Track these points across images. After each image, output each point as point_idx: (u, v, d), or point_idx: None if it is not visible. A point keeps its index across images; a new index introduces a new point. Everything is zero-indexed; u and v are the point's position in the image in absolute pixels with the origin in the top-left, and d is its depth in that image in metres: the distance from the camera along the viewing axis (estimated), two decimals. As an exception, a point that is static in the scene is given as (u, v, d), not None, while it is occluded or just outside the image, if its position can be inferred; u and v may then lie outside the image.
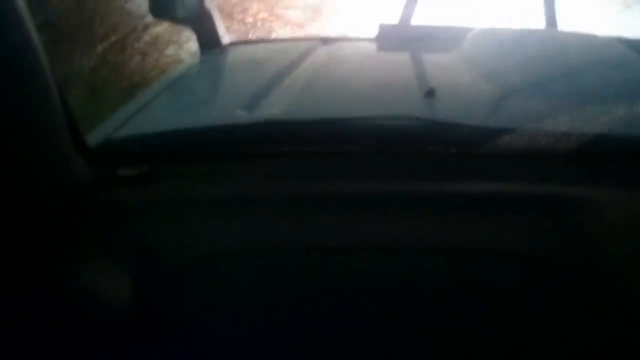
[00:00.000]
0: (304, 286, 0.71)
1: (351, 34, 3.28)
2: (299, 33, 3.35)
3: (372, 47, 1.59)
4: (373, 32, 1.73)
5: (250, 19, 3.37)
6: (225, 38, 1.72)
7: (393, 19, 1.87)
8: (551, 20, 1.89)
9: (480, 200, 0.83)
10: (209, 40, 1.66)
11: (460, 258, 0.74)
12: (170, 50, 3.33)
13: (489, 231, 0.78)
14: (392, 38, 1.62)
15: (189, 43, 3.29)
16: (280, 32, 3.36)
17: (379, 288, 0.70)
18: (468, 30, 1.52)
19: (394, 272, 0.72)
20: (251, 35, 3.35)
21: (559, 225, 0.79)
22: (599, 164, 0.90)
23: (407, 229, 0.79)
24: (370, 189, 0.87)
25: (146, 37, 3.41)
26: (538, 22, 1.96)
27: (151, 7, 1.65)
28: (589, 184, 0.86)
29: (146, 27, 3.42)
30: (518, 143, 0.91)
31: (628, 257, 0.74)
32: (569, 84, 1.13)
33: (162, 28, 3.42)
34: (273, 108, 1.14)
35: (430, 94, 1.15)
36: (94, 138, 1.03)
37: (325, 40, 1.64)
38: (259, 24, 3.35)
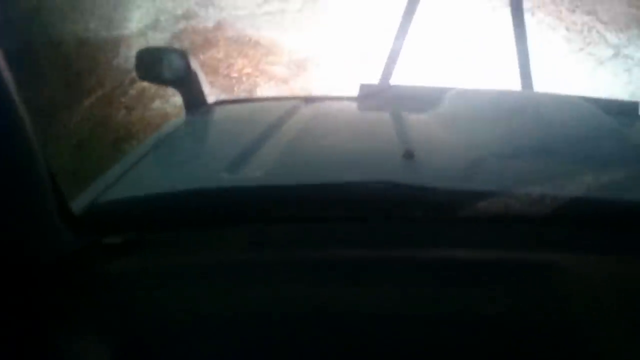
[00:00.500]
0: (290, 351, 0.72)
1: (334, 89, 3.36)
2: (284, 88, 3.42)
3: (353, 107, 1.64)
4: (354, 91, 1.78)
5: (235, 74, 3.44)
6: (210, 97, 1.76)
7: (374, 77, 1.94)
8: (526, 78, 1.95)
9: (455, 266, 0.85)
10: (194, 100, 1.70)
11: (436, 323, 0.75)
12: (156, 104, 3.38)
13: (465, 297, 0.80)
14: (372, 98, 1.67)
15: (175, 97, 3.35)
16: (265, 87, 3.43)
17: (359, 354, 0.71)
18: (446, 90, 1.58)
19: (374, 339, 0.73)
20: (236, 90, 3.41)
21: (531, 290, 0.80)
22: (571, 228, 0.93)
23: (385, 294, 0.81)
24: (349, 256, 0.88)
25: (132, 91, 3.46)
26: (513, 80, 2.03)
27: (138, 70, 1.69)
28: (561, 248, 0.89)
29: (132, 81, 3.47)
30: (493, 207, 0.94)
31: (600, 321, 0.76)
32: (544, 147, 1.17)
33: (148, 83, 3.47)
34: (256, 171, 1.17)
35: (408, 156, 1.18)
36: (79, 204, 1.04)
37: (308, 100, 1.69)
38: (244, 79, 3.42)
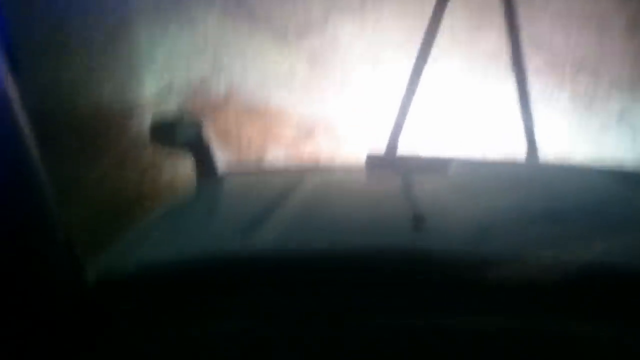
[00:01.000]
0: None
1: (343, 153, 3.40)
2: (292, 153, 3.46)
3: (361, 177, 1.67)
4: (362, 157, 1.81)
5: (244, 141, 3.50)
6: (221, 165, 1.79)
7: (381, 144, 1.97)
8: (532, 144, 1.98)
9: (467, 332, 0.85)
10: (205, 167, 1.73)
11: None
12: (168, 169, 3.43)
13: None
14: (380, 167, 1.70)
15: (186, 161, 3.40)
16: (274, 152, 3.48)
17: None
18: (453, 160, 1.61)
19: None
20: (245, 155, 3.46)
21: (543, 356, 0.80)
22: (582, 294, 0.92)
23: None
24: (363, 323, 0.88)
25: (145, 158, 3.52)
26: (519, 145, 2.06)
27: (151, 135, 1.74)
28: (573, 314, 0.88)
29: (145, 147, 3.53)
30: (505, 272, 0.94)
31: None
32: (554, 214, 1.18)
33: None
34: (266, 239, 1.18)
35: (419, 221, 1.19)
36: (92, 273, 1.05)
37: (316, 169, 1.72)
38: (253, 145, 3.48)
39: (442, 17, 2.17)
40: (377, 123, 3.59)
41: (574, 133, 3.65)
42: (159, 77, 3.92)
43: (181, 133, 1.69)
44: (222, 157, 1.81)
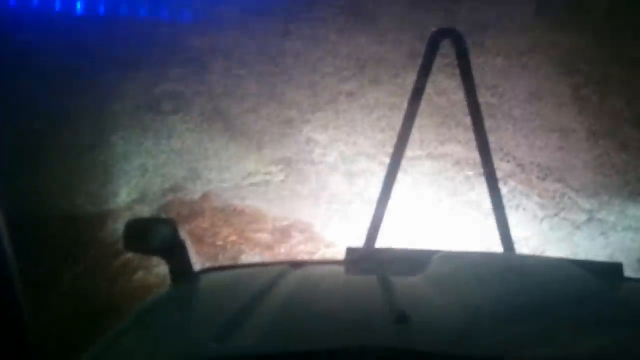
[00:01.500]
0: None
1: (320, 254, 3.39)
2: (268, 255, 3.44)
3: (341, 271, 1.65)
4: (341, 255, 1.80)
5: (220, 242, 3.48)
6: (196, 266, 1.76)
7: (359, 240, 1.98)
8: (507, 241, 2.01)
9: None
10: (180, 269, 1.69)
11: None
12: (139, 275, 3.35)
13: None
14: (359, 262, 1.68)
15: (158, 268, 3.33)
16: (250, 253, 3.45)
17: None
18: (432, 253, 1.60)
19: None
20: (221, 257, 3.42)
21: None
22: None
23: None
24: None
25: (116, 263, 3.45)
26: (496, 245, 2.08)
27: (125, 241, 1.70)
28: None
29: (117, 253, 3.47)
30: None
31: None
32: (534, 309, 1.17)
33: (132, 254, 3.47)
34: (246, 339, 1.13)
35: (401, 319, 1.16)
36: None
37: (294, 265, 1.69)
38: (228, 246, 3.45)
39: (411, 127, 2.26)
40: (352, 226, 3.62)
41: (545, 236, 3.71)
42: (134, 184, 3.93)
43: (155, 236, 1.67)
44: (196, 260, 1.78)
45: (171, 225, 1.70)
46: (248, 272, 1.78)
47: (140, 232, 1.68)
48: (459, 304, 1.23)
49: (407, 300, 1.33)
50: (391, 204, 3.89)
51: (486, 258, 1.63)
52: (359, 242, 2.10)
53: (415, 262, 1.55)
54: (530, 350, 0.99)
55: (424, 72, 2.21)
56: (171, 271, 1.71)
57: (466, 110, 2.47)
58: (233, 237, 3.58)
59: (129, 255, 3.48)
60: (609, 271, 1.69)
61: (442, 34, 2.25)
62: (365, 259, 1.71)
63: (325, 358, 0.93)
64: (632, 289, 1.60)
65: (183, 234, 1.76)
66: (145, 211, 3.67)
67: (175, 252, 1.70)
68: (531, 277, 1.40)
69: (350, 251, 1.76)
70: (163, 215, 3.57)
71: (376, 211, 2.07)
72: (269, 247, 3.52)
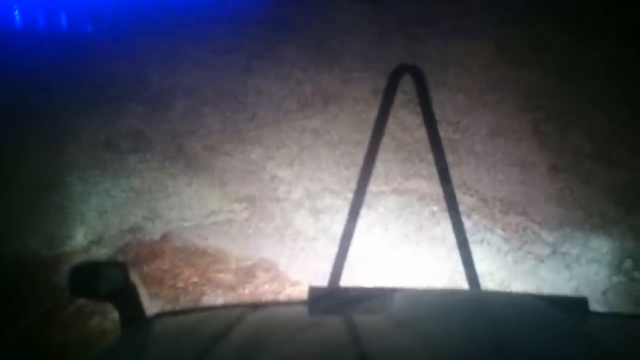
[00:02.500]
0: None
1: (286, 294, 3.30)
2: (231, 295, 3.33)
3: (303, 311, 1.58)
4: (303, 295, 1.73)
5: (181, 284, 3.36)
6: (153, 310, 1.66)
7: (323, 279, 1.92)
8: (472, 277, 1.97)
9: None
10: (132, 314, 1.60)
11: None
12: (95, 321, 3.20)
13: None
14: (321, 301, 1.62)
15: (114, 313, 3.19)
16: (212, 295, 3.34)
17: None
18: (395, 291, 1.55)
19: None
20: (182, 300, 3.30)
21: None
22: None
23: None
24: None
25: (70, 309, 3.30)
26: (460, 280, 2.04)
27: (71, 286, 1.60)
28: None
29: (71, 299, 3.32)
30: None
31: None
32: (500, 348, 1.13)
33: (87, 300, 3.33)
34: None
35: (361, 362, 1.11)
36: None
37: (255, 306, 1.62)
38: (190, 288, 3.34)
39: (375, 160, 2.23)
40: (318, 263, 3.55)
41: (510, 269, 3.69)
42: (91, 226, 3.80)
43: (104, 280, 1.57)
44: (155, 303, 1.69)
45: (121, 267, 1.61)
46: (205, 316, 1.69)
47: (87, 276, 1.58)
48: (422, 344, 1.18)
49: (370, 341, 1.27)
50: (357, 239, 3.87)
51: (450, 296, 1.58)
52: (324, 280, 2.04)
53: (378, 301, 1.50)
54: None
55: (386, 106, 2.20)
56: (121, 317, 1.61)
57: (429, 146, 2.47)
58: (195, 279, 3.47)
59: (83, 300, 3.34)
60: (574, 306, 1.66)
61: (403, 69, 2.25)
62: (327, 299, 1.65)
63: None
64: (598, 325, 1.58)
65: (135, 277, 1.66)
66: (102, 253, 3.54)
67: (126, 297, 1.61)
68: (495, 314, 1.36)
69: (312, 290, 1.69)
70: (121, 258, 3.44)
71: (340, 249, 2.01)
72: (233, 287, 3.42)
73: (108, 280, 1.55)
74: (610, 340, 1.33)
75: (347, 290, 1.84)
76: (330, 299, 1.69)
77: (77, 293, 1.58)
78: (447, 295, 1.58)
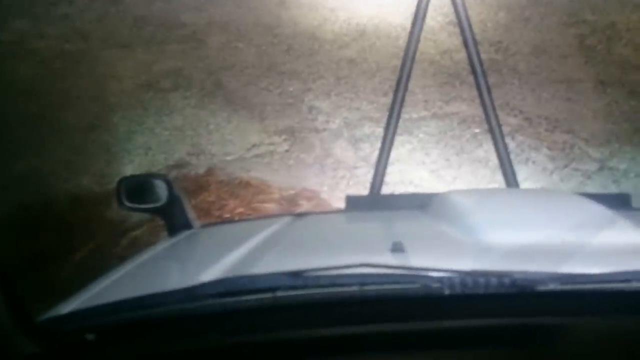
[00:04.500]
0: None
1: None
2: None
3: (341, 217, 1.61)
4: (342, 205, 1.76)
5: (227, 215, 3.45)
6: (196, 223, 1.72)
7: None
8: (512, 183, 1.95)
9: (466, 335, 0.78)
10: (178, 225, 1.66)
11: None
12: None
13: None
14: (360, 208, 1.65)
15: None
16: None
17: None
18: (435, 195, 1.56)
19: None
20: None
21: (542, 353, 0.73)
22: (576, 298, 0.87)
23: None
24: (355, 332, 0.81)
25: (124, 242, 3.44)
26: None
27: (119, 199, 1.67)
28: (567, 313, 0.82)
29: (125, 231, 3.46)
30: (499, 285, 0.88)
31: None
32: (544, 235, 1.13)
33: (141, 231, 3.46)
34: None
35: (397, 248, 1.13)
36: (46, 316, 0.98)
37: (296, 215, 1.66)
38: (236, 218, 3.42)
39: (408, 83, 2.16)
40: (360, 190, 3.57)
41: (557, 187, 3.64)
42: (137, 163, 3.91)
43: (151, 192, 1.63)
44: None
45: (167, 181, 1.66)
46: (250, 225, 1.74)
47: (134, 188, 1.64)
48: (467, 234, 1.18)
49: (407, 234, 1.29)
50: (398, 166, 3.87)
51: (494, 192, 1.58)
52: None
53: (418, 204, 1.51)
54: (537, 266, 0.95)
55: (418, 23, 2.12)
56: (168, 228, 1.67)
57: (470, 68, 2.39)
58: (240, 209, 3.55)
59: (137, 232, 3.47)
60: (618, 201, 1.64)
61: None
62: (365, 205, 1.67)
63: (318, 278, 0.89)
64: None
65: (180, 190, 1.72)
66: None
67: (173, 209, 1.67)
68: (537, 204, 1.36)
69: (349, 199, 1.72)
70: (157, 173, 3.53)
71: (379, 160, 2.01)
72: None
73: (155, 192, 1.61)
74: None
75: (383, 197, 1.86)
76: (368, 205, 1.71)
77: (126, 205, 1.64)
78: (491, 192, 1.58)
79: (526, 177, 3.67)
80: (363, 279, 0.87)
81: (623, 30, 4.42)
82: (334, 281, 0.85)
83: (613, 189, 3.63)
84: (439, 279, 0.87)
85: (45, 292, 3.12)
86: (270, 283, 0.86)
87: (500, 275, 0.88)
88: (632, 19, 4.48)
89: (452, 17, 3.51)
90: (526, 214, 1.26)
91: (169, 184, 1.66)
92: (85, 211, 3.63)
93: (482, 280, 0.87)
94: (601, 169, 3.74)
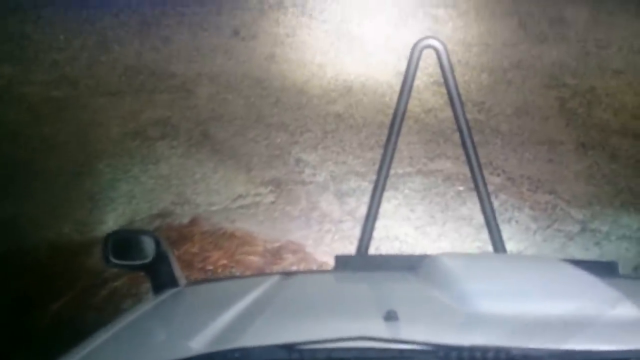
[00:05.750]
0: None
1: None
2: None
3: (330, 278, 1.60)
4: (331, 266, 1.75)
5: (210, 267, 3.40)
6: (182, 280, 1.69)
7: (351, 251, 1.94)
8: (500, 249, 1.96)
9: None
10: (164, 282, 1.63)
11: None
12: (127, 304, 3.26)
13: None
14: (349, 269, 1.63)
15: (148, 295, 3.25)
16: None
17: None
18: (423, 257, 1.56)
19: None
20: (211, 283, 3.34)
21: None
22: None
23: None
24: None
25: (103, 292, 3.36)
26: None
27: (105, 255, 1.63)
28: None
29: (105, 282, 3.39)
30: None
31: None
32: (528, 302, 1.13)
33: (121, 282, 3.39)
34: (230, 341, 1.08)
35: (390, 316, 1.12)
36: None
37: (284, 275, 1.64)
38: (219, 270, 3.38)
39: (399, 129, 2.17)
40: (345, 245, 3.56)
41: (539, 248, 3.66)
42: (120, 212, 3.87)
43: (138, 248, 1.61)
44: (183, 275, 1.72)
45: (155, 237, 1.64)
46: (237, 284, 1.72)
47: (121, 244, 1.61)
48: (454, 303, 1.18)
49: (397, 300, 1.28)
50: (383, 221, 3.87)
51: (484, 258, 1.59)
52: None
53: (406, 266, 1.50)
54: (527, 342, 0.95)
55: (408, 81, 2.15)
56: (154, 286, 1.64)
57: (454, 126, 2.43)
58: (223, 261, 3.51)
59: (117, 283, 3.40)
60: (605, 269, 1.65)
61: (425, 44, 2.18)
62: (355, 266, 1.66)
63: (310, 352, 0.88)
64: (628, 286, 1.57)
65: (167, 247, 1.70)
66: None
67: (159, 266, 1.64)
68: (528, 272, 1.36)
69: (339, 259, 1.71)
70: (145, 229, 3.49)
71: (367, 219, 2.01)
72: (260, 269, 3.45)
73: (143, 249, 1.58)
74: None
75: (372, 257, 1.85)
76: (357, 266, 1.70)
77: (112, 261, 1.61)
78: (479, 257, 1.58)
79: (510, 237, 3.69)
80: (360, 354, 0.86)
81: (603, 95, 4.56)
82: (331, 355, 0.84)
83: (595, 250, 3.67)
84: (436, 354, 0.86)
85: (22, 342, 3.03)
86: (265, 356, 0.84)
87: (497, 350, 0.88)
88: (611, 85, 4.63)
89: (437, 77, 3.58)
90: (518, 284, 1.26)
91: (156, 241, 1.64)
92: (64, 260, 3.56)
93: (478, 354, 0.87)
94: (583, 230, 3.79)
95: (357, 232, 3.04)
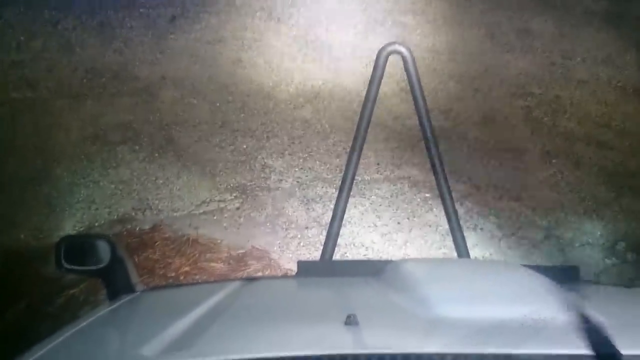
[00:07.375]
0: None
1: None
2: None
3: (292, 283, 1.55)
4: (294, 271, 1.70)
5: (172, 274, 3.32)
6: (139, 286, 1.62)
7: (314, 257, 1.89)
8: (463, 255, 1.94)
9: None
10: (120, 289, 1.56)
11: None
12: (84, 312, 3.15)
13: None
14: (312, 274, 1.59)
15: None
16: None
17: None
18: (385, 262, 1.52)
19: None
20: (173, 290, 3.25)
21: None
22: None
23: None
24: None
25: (59, 300, 3.24)
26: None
27: (57, 261, 1.56)
28: None
29: (61, 289, 3.27)
30: None
31: None
32: (488, 307, 1.11)
33: (78, 289, 3.27)
34: (187, 351, 1.02)
35: (350, 321, 1.08)
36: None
37: (245, 281, 1.59)
38: (181, 277, 3.29)
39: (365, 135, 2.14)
40: (310, 251, 3.52)
41: (504, 255, 3.67)
42: (79, 218, 3.75)
43: (92, 253, 1.53)
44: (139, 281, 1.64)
45: (109, 242, 1.57)
46: (195, 289, 1.65)
47: (75, 249, 1.54)
48: (415, 307, 1.15)
49: (358, 305, 1.24)
50: (350, 227, 3.83)
51: (445, 263, 1.56)
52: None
53: (370, 271, 1.47)
54: (487, 348, 0.93)
55: (373, 87, 2.11)
56: (109, 292, 1.57)
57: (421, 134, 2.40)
58: (186, 268, 3.42)
59: (75, 290, 3.29)
60: (567, 274, 1.65)
61: (391, 49, 2.15)
62: (317, 271, 1.62)
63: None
64: (590, 290, 1.56)
65: (123, 252, 1.62)
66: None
67: (114, 271, 1.57)
68: (488, 277, 1.34)
69: (301, 265, 1.67)
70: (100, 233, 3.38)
71: (331, 225, 1.97)
72: (224, 276, 3.38)
73: (97, 253, 1.51)
74: (599, 306, 1.31)
75: (335, 263, 1.81)
76: (319, 271, 1.66)
77: (65, 266, 1.54)
78: (440, 263, 1.55)
79: (475, 244, 3.70)
80: None
81: (567, 104, 4.63)
82: None
83: (559, 257, 3.70)
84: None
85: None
86: None
87: (455, 356, 0.86)
88: (575, 94, 4.70)
89: (405, 84, 3.57)
90: (477, 288, 1.24)
91: (112, 245, 1.57)
92: (20, 267, 3.43)
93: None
94: (547, 237, 3.82)
95: (323, 238, 3.00)
